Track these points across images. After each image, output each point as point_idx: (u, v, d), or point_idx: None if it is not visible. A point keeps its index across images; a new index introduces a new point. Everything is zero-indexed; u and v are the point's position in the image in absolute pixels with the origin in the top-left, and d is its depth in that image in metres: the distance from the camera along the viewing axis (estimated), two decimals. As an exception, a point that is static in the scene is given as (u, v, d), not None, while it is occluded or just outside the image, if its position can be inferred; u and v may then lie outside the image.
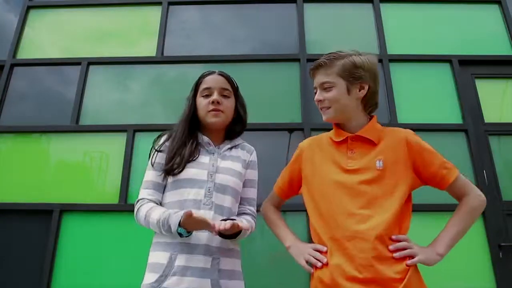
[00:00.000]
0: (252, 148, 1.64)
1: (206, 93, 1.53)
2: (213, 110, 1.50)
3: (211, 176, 1.44)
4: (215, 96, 1.51)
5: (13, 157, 2.80)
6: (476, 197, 1.32)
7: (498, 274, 2.36)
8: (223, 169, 1.47)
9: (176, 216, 1.28)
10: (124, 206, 2.56)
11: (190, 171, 1.43)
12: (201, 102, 1.53)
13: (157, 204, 1.44)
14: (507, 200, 2.58)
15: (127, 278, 2.41)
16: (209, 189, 1.41)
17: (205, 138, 1.53)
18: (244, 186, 1.54)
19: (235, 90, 1.62)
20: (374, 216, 1.22)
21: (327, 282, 1.21)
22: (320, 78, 1.39)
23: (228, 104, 1.55)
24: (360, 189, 1.27)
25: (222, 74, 1.59)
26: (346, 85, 1.36)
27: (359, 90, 1.37)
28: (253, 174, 1.58)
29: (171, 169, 1.43)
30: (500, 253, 2.42)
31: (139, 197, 1.47)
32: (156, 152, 1.51)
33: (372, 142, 1.34)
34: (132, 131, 2.77)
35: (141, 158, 2.68)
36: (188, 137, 1.50)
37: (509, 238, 2.47)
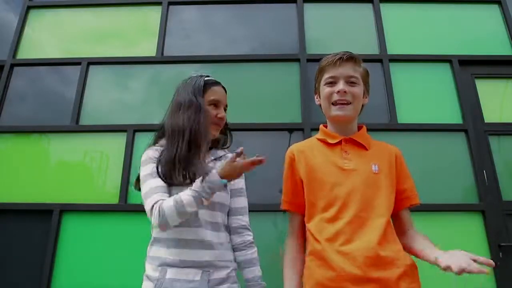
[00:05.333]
0: None
1: (213, 103, 1.50)
2: (216, 124, 1.50)
3: None
4: (222, 112, 1.52)
5: (13, 157, 2.80)
6: None
7: (498, 274, 2.36)
8: None
9: (212, 175, 1.30)
10: (124, 206, 2.55)
11: (178, 188, 1.37)
12: (210, 110, 1.49)
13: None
14: (507, 200, 2.57)
15: (126, 278, 2.41)
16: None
17: None
18: (231, 196, 1.50)
19: None
20: (373, 219, 1.22)
21: (330, 285, 1.18)
22: (348, 70, 1.35)
23: (225, 118, 1.56)
24: (359, 189, 1.27)
25: (224, 88, 1.58)
26: (363, 89, 1.39)
27: (365, 98, 1.42)
28: (240, 183, 1.55)
29: (184, 182, 1.35)
30: (500, 253, 2.42)
31: (154, 200, 1.33)
32: (155, 165, 1.41)
33: (364, 147, 1.36)
34: (132, 131, 2.77)
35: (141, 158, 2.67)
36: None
37: (509, 238, 2.47)
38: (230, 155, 1.54)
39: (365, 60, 1.44)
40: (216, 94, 1.52)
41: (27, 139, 2.85)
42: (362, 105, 1.42)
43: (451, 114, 2.82)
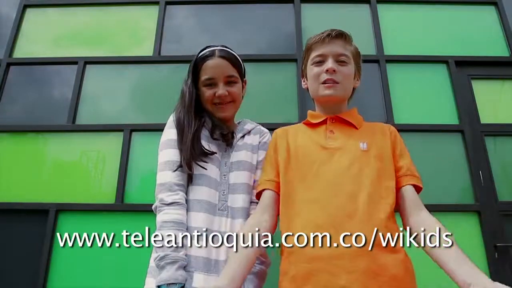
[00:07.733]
0: (266, 130, 1.46)
1: (208, 83, 1.33)
2: (220, 103, 1.32)
3: (225, 177, 1.26)
4: (220, 90, 1.31)
5: (9, 157, 2.78)
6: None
7: (493, 274, 2.37)
8: (235, 164, 1.30)
9: (173, 274, 1.08)
10: (120, 206, 2.53)
11: (202, 166, 1.24)
12: (205, 92, 1.33)
13: (183, 202, 1.19)
14: (502, 201, 2.58)
15: (124, 280, 2.40)
16: (223, 192, 1.25)
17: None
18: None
19: (242, 71, 1.40)
20: (365, 204, 1.08)
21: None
22: (338, 48, 1.24)
23: (236, 91, 1.34)
24: (342, 168, 1.13)
25: (224, 56, 1.34)
26: (354, 69, 1.29)
27: (357, 80, 1.32)
28: (262, 155, 1.38)
29: (189, 164, 1.20)
30: (496, 254, 2.43)
31: (164, 180, 1.20)
32: (174, 130, 1.31)
33: (353, 125, 1.25)
34: (129, 130, 2.76)
35: (138, 157, 2.66)
36: (198, 126, 1.28)
37: (504, 238, 2.48)
38: (262, 128, 1.44)
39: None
40: (207, 71, 1.33)
41: (23, 138, 2.83)
42: (354, 89, 1.31)
43: (448, 114, 2.83)
